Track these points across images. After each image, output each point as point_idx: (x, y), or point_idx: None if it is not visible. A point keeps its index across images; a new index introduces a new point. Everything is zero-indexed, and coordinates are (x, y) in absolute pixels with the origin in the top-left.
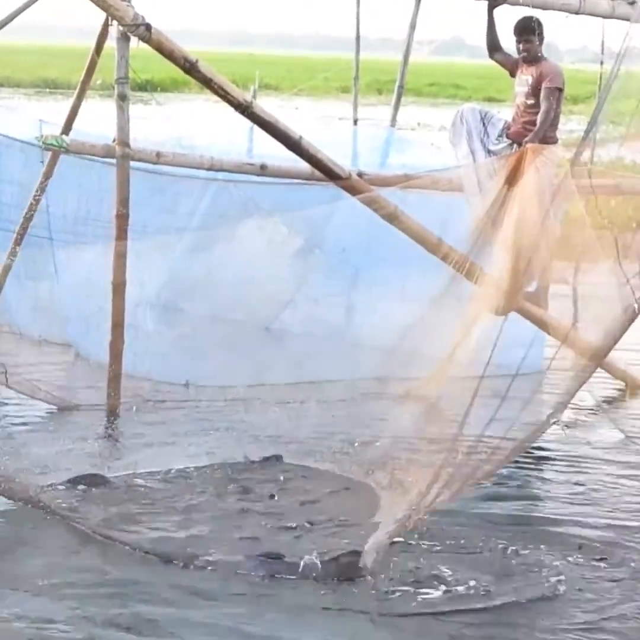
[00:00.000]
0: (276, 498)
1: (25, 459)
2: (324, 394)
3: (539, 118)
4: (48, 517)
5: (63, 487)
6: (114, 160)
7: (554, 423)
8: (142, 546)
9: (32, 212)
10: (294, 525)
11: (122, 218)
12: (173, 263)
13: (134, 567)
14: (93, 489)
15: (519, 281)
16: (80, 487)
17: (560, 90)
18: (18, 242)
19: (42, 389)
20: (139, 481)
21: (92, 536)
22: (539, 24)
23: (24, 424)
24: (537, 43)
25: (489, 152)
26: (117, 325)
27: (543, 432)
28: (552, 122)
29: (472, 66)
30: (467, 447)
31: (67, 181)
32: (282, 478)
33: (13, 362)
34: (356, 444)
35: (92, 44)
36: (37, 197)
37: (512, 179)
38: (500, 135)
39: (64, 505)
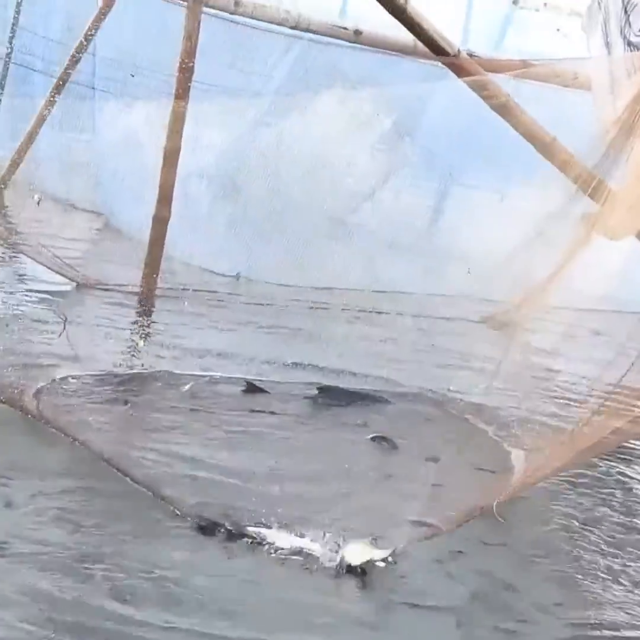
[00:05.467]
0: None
1: (30, 346)
2: (399, 307)
3: None
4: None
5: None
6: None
7: None
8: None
9: (80, 55)
10: None
11: (186, 72)
12: (238, 131)
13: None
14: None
15: None
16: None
17: None
18: (58, 89)
19: (64, 261)
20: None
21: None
22: None
23: (38, 302)
24: None
25: (629, 45)
26: (165, 198)
27: None
28: None
29: None
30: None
31: (122, 20)
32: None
33: (33, 228)
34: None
35: None
36: (88, 36)
37: None
38: None
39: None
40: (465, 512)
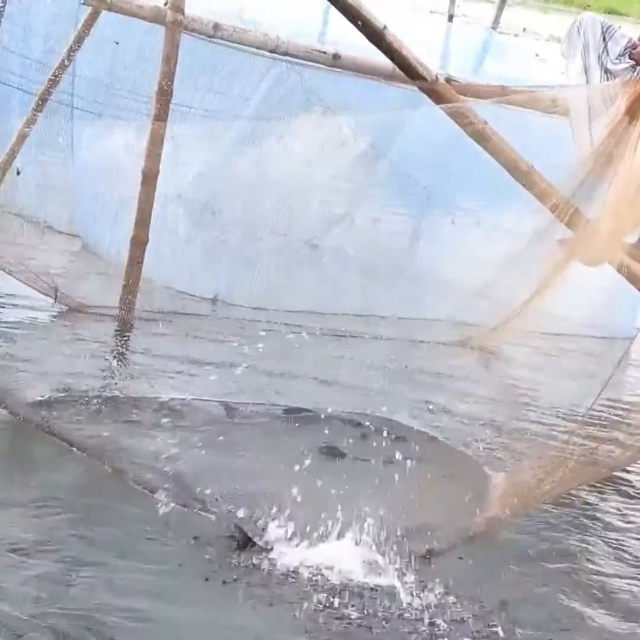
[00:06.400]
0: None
1: (21, 365)
2: (374, 330)
3: None
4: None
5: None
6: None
7: None
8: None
9: (60, 75)
10: None
11: (165, 95)
12: (215, 155)
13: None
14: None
15: (623, 228)
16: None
17: None
18: (39, 107)
19: (45, 281)
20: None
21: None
22: None
23: (21, 322)
24: None
25: (606, 71)
26: (143, 220)
27: None
28: None
29: None
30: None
31: (103, 40)
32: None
33: (13, 250)
34: None
35: None
36: (71, 55)
37: (635, 109)
38: (621, 54)
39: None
40: (447, 539)
